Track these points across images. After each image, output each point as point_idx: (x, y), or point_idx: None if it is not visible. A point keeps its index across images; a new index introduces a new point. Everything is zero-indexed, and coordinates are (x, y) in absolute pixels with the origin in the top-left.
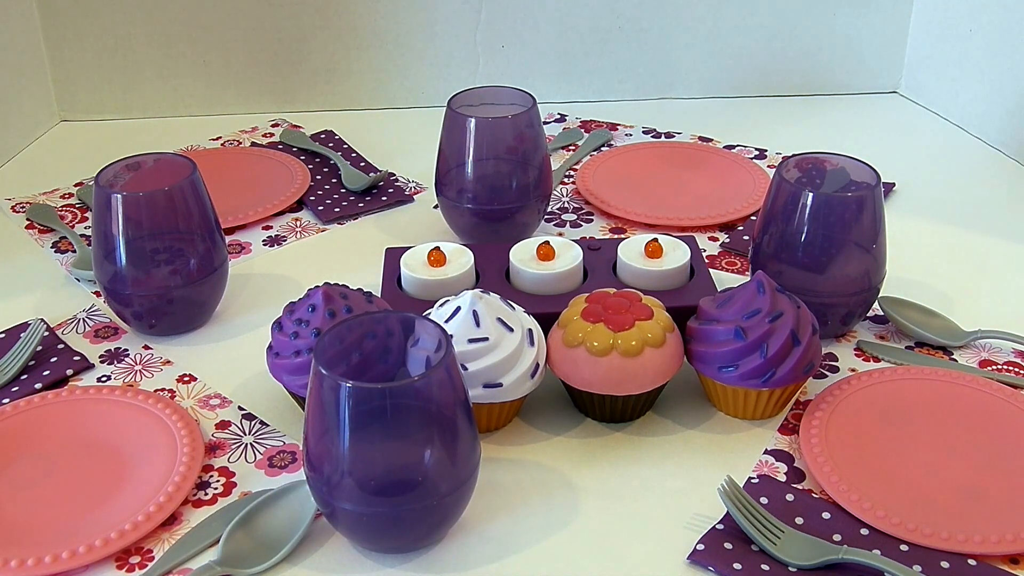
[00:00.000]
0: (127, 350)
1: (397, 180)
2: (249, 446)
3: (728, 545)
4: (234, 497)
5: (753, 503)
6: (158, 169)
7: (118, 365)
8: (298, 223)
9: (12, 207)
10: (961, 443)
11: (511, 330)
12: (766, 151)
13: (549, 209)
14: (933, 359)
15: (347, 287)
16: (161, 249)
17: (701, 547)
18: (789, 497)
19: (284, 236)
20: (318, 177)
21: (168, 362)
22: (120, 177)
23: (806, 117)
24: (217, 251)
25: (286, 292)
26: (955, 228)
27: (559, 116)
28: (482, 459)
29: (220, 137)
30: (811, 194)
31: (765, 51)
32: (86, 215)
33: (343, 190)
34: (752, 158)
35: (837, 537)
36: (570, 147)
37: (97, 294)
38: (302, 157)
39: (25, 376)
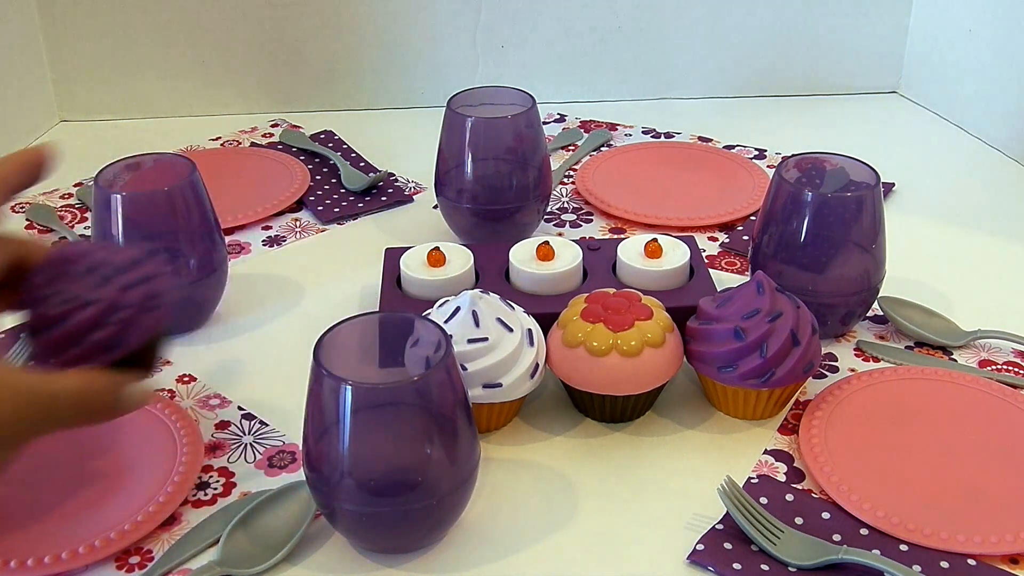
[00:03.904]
0: None
1: (397, 180)
2: (249, 446)
3: (728, 545)
4: (234, 497)
5: (753, 503)
6: (158, 169)
7: None
8: (298, 223)
9: (12, 207)
10: (961, 443)
11: (511, 330)
12: (765, 151)
13: (549, 209)
14: (933, 359)
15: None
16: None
17: (701, 547)
18: (789, 497)
19: (284, 236)
20: (318, 177)
21: (168, 362)
22: (120, 177)
23: (806, 117)
24: (217, 251)
25: (286, 292)
26: (955, 228)
27: (559, 116)
28: (482, 459)
29: (220, 137)
30: (811, 194)
31: (765, 51)
32: (86, 215)
33: (343, 190)
34: (752, 158)
35: (837, 537)
36: (570, 147)
37: None
38: (302, 157)
39: None
